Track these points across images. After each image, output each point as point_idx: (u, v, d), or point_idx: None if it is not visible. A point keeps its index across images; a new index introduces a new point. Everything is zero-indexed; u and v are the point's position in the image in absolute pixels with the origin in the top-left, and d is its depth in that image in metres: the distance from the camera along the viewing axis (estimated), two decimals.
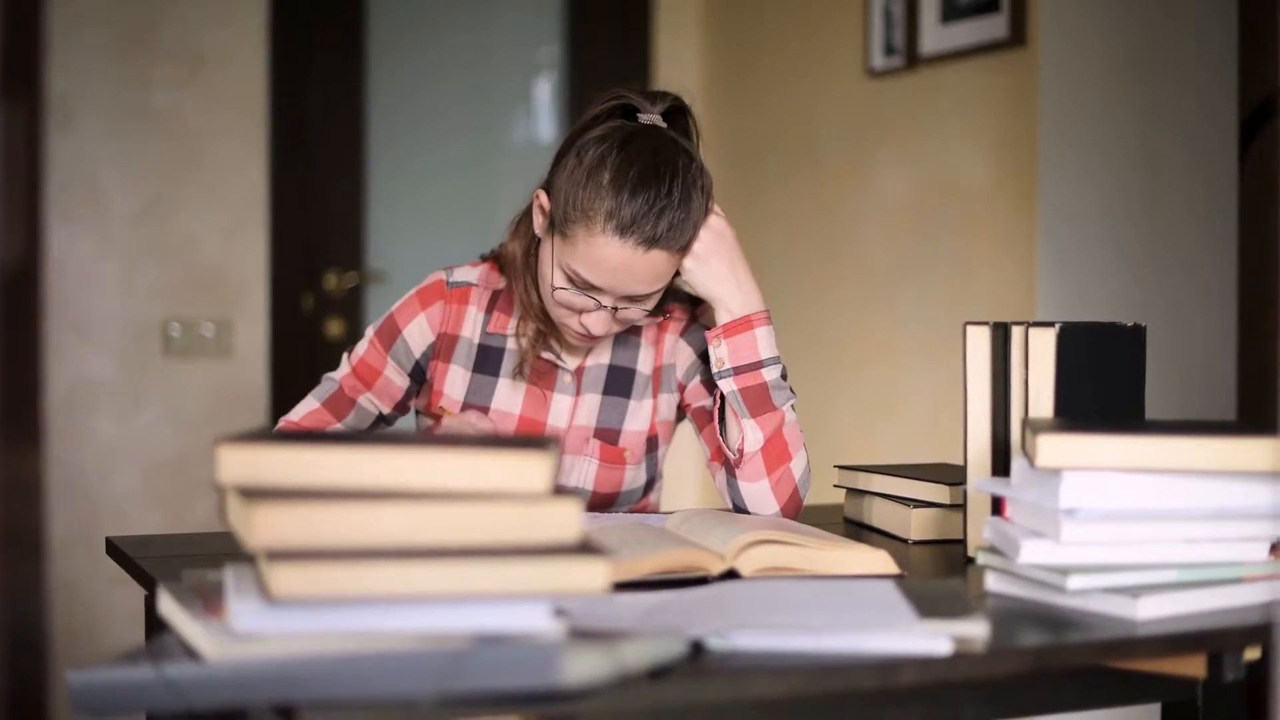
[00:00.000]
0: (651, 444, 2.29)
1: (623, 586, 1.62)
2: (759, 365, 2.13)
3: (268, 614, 1.24)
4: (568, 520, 1.29)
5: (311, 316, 4.48)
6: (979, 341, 1.86)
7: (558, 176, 2.12)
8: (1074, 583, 1.54)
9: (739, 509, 2.15)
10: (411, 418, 2.39)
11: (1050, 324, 1.80)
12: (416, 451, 1.30)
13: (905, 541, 2.05)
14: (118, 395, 4.21)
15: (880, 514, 2.14)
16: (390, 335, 2.26)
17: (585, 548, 1.28)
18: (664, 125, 2.14)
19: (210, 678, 1.20)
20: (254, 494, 1.26)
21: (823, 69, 4.25)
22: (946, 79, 3.75)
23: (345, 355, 2.30)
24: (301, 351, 4.41)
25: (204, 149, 4.29)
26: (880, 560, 1.75)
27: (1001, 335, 1.84)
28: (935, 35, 3.74)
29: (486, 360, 2.26)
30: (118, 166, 4.20)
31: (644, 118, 2.14)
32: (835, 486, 2.27)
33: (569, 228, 2.07)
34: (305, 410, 2.27)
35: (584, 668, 1.17)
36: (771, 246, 4.43)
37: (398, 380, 2.27)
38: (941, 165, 3.79)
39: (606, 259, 2.04)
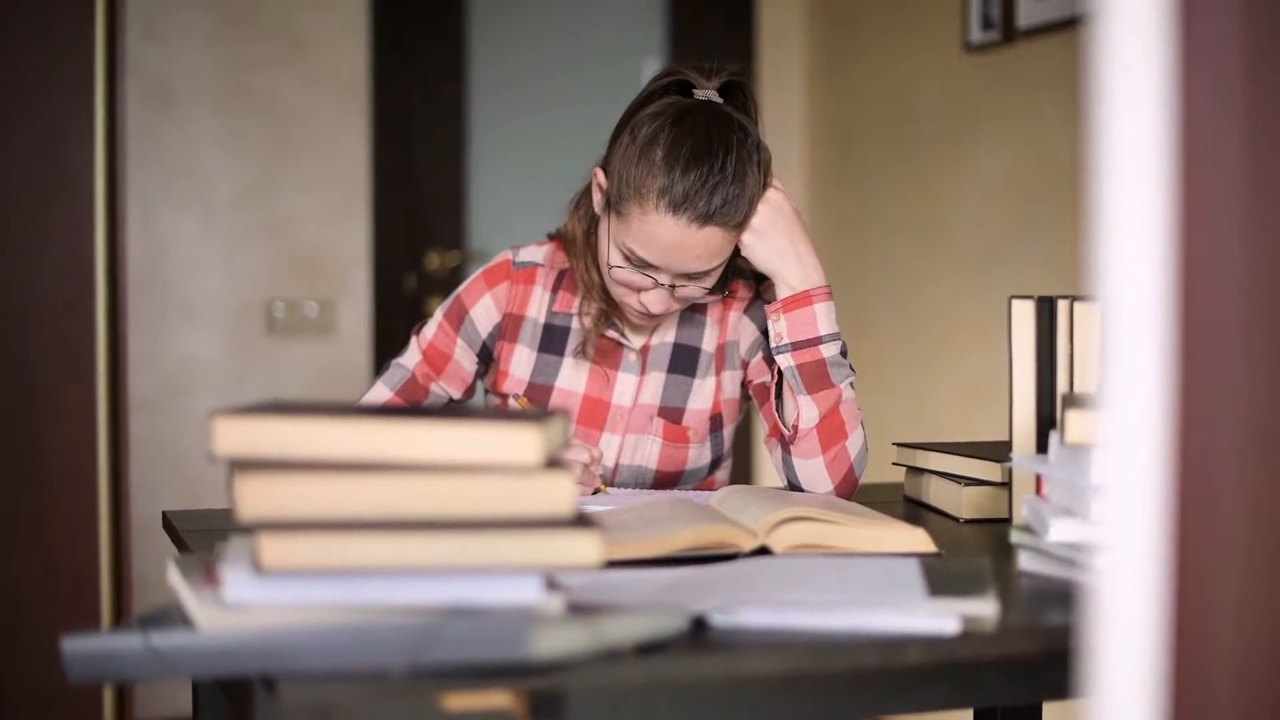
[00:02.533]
0: (716, 422, 2.27)
1: (655, 562, 1.62)
2: (817, 341, 2.10)
3: (256, 585, 1.24)
4: (561, 494, 1.28)
5: (414, 296, 4.51)
6: (1024, 316, 1.82)
7: (613, 154, 2.11)
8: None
9: (794, 486, 2.13)
10: (479, 397, 2.40)
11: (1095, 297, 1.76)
12: (409, 424, 1.29)
13: (958, 520, 2.01)
14: (222, 375, 4.27)
15: (936, 492, 2.10)
16: (458, 316, 2.27)
17: (577, 521, 1.27)
18: (719, 101, 2.11)
19: (194, 647, 1.20)
20: (245, 466, 1.26)
21: (922, 44, 4.19)
22: (1043, 52, 3.68)
23: (413, 338, 2.30)
24: (404, 331, 4.41)
25: (305, 130, 4.34)
26: (917, 538, 1.71)
27: (1047, 309, 1.80)
28: (1031, 8, 3.67)
29: (552, 340, 2.25)
30: (220, 148, 4.26)
31: (699, 93, 2.12)
32: (894, 465, 2.24)
33: (623, 205, 2.06)
34: (379, 399, 2.27)
35: (555, 642, 1.16)
36: (870, 226, 4.38)
37: (467, 362, 2.27)
38: (1039, 141, 3.72)
39: (660, 236, 2.03)
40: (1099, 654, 0.66)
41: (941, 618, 1.33)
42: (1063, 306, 1.79)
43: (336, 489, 1.25)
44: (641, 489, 2.23)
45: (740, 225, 2.07)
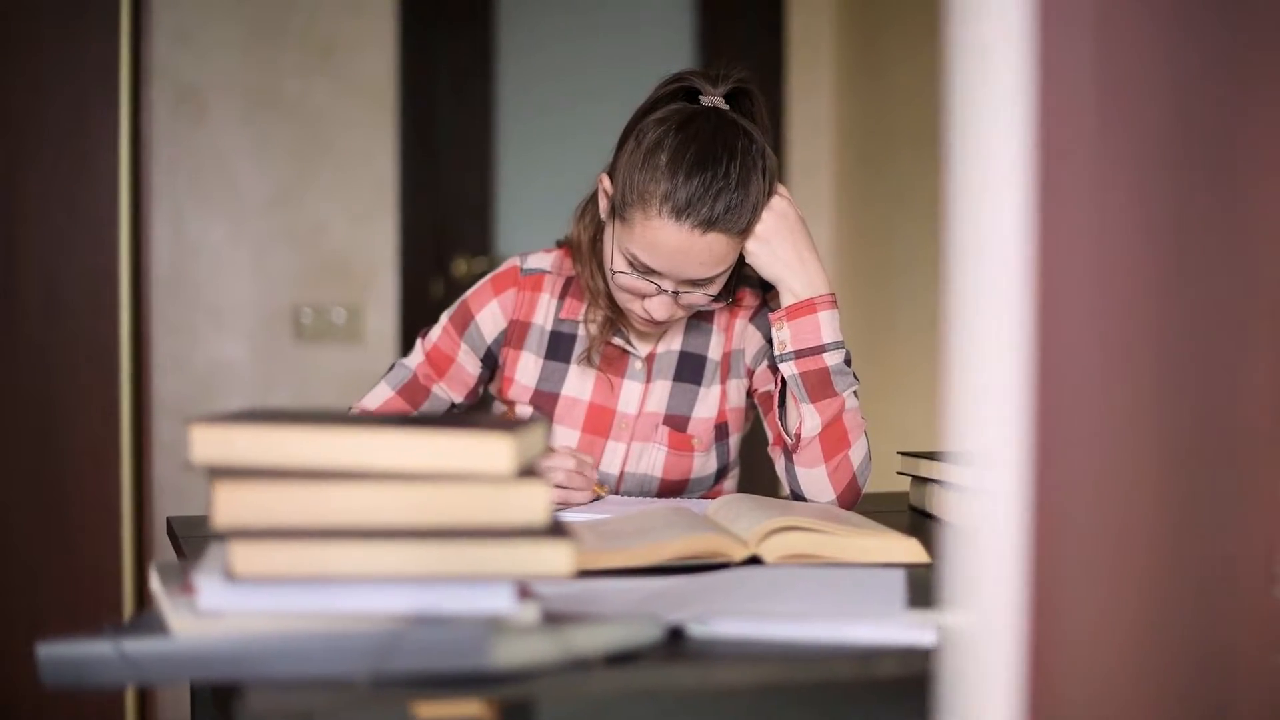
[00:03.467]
0: (721, 431, 2.26)
1: (648, 571, 1.61)
2: (821, 350, 2.09)
3: (228, 592, 1.25)
4: (535, 503, 1.28)
5: (441, 302, 4.51)
6: None
7: (619, 160, 2.12)
8: None
9: (796, 495, 2.12)
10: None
11: None
12: (383, 432, 1.29)
13: None
14: (250, 380, 4.30)
15: (939, 501, 2.09)
16: (464, 321, 2.27)
17: (551, 531, 1.27)
18: (725, 107, 2.11)
19: (165, 654, 1.21)
20: (221, 473, 1.27)
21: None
22: None
23: (419, 340, 2.31)
24: None
25: (334, 136, 4.36)
26: (910, 548, 1.71)
27: None
28: None
29: (558, 347, 2.25)
30: (250, 154, 4.29)
31: (705, 100, 2.12)
32: (899, 474, 2.23)
33: (627, 211, 2.06)
34: (381, 398, 2.28)
35: (518, 651, 1.16)
36: (899, 232, 4.37)
37: (470, 367, 2.27)
38: None
39: (663, 242, 2.02)
40: (959, 665, 0.66)
41: (918, 629, 1.33)
42: None
43: (310, 497, 1.25)
44: (647, 497, 2.23)
45: (744, 232, 2.06)
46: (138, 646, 1.21)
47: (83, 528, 3.28)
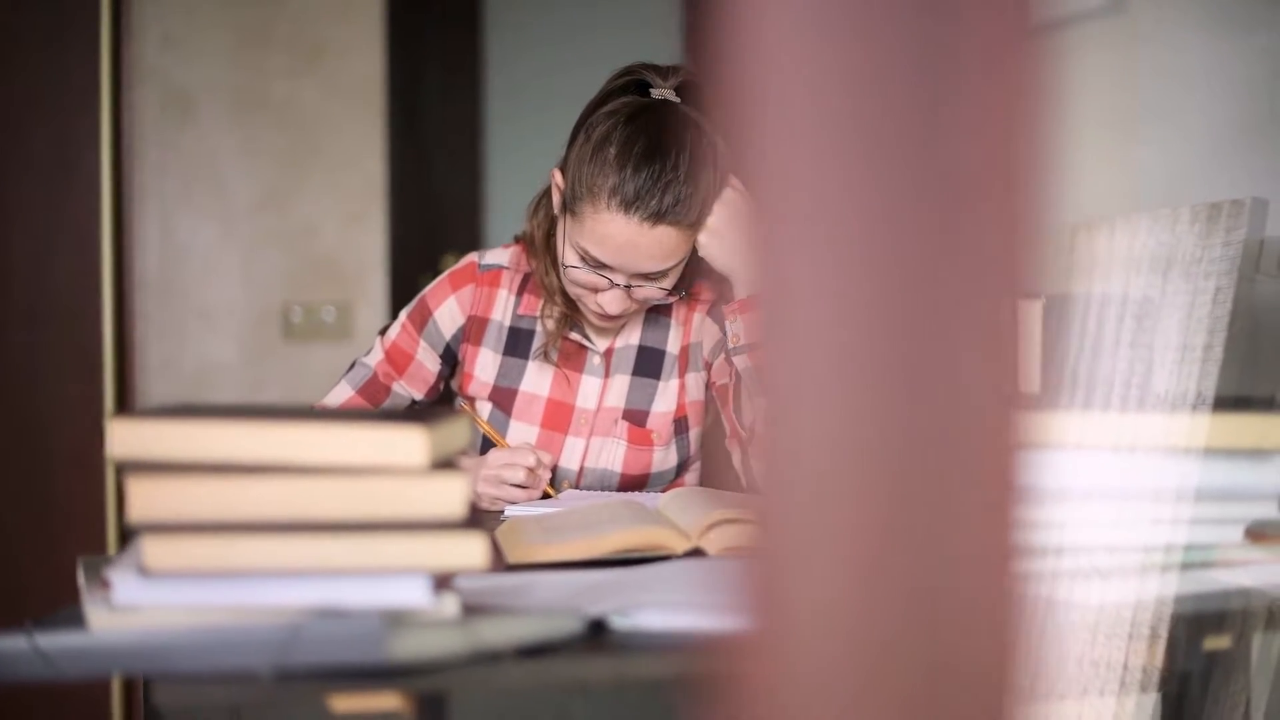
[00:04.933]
0: (681, 425, 2.26)
1: (595, 564, 1.61)
2: None
3: (141, 587, 1.25)
4: (451, 496, 1.28)
5: None
6: None
7: (570, 154, 2.12)
8: None
9: (753, 489, 2.12)
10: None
11: (1038, 295, 1.74)
12: (297, 426, 1.30)
13: None
14: (240, 379, 4.30)
15: None
16: (422, 317, 2.27)
17: (463, 524, 1.27)
18: (676, 100, 2.11)
19: (77, 649, 1.21)
20: (132, 467, 1.27)
21: None
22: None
23: (378, 339, 2.31)
24: None
25: (323, 138, 4.37)
26: None
27: None
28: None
29: (517, 343, 2.25)
30: (238, 157, 4.30)
31: (656, 93, 2.11)
32: None
33: (577, 205, 2.06)
34: (342, 397, 2.28)
35: (419, 644, 1.16)
36: None
37: (430, 364, 2.27)
38: None
39: (612, 235, 2.02)
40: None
41: None
42: None
43: (224, 491, 1.26)
44: (607, 492, 2.23)
45: (695, 225, 2.06)
46: (51, 641, 1.22)
47: (68, 529, 3.29)
